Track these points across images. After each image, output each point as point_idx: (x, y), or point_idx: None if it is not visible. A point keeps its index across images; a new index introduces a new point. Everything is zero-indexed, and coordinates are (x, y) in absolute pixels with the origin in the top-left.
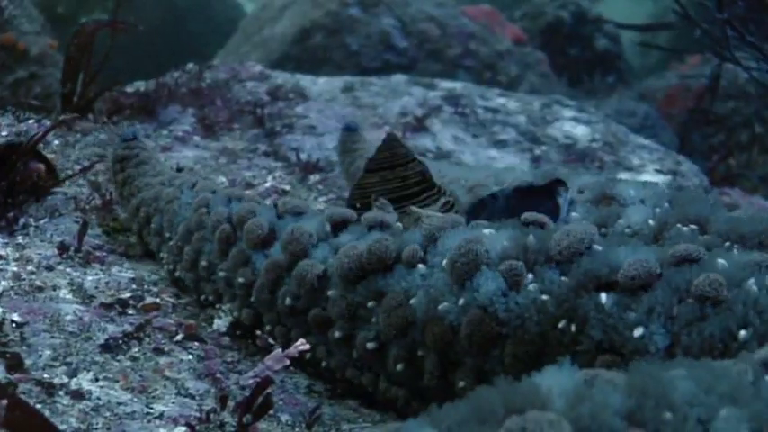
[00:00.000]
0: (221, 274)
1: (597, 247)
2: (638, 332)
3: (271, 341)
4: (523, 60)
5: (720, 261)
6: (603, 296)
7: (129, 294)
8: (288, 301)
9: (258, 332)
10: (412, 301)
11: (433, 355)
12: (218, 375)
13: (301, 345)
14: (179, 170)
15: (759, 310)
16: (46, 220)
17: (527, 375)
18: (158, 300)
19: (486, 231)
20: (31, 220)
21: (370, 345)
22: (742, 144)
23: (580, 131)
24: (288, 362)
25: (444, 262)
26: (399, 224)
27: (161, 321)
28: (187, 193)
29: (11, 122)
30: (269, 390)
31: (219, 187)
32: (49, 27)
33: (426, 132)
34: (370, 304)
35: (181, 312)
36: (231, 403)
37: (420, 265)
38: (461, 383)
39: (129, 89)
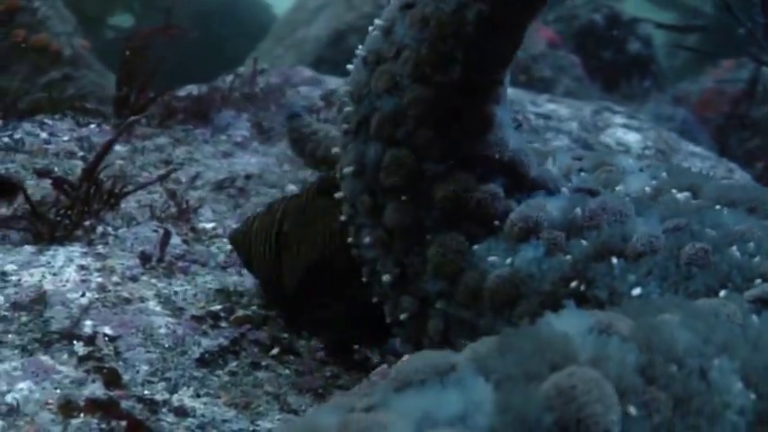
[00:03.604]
0: None
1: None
2: (636, 292)
3: (368, 354)
4: (557, 64)
5: (709, 230)
6: (614, 260)
7: (219, 306)
8: None
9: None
10: (475, 247)
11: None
12: (320, 391)
13: None
14: None
15: (740, 270)
16: (124, 228)
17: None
18: (249, 312)
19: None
20: (110, 228)
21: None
22: None
23: (632, 138)
24: None
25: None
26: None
27: (255, 335)
28: None
29: (71, 127)
30: None
31: None
32: (80, 28)
33: None
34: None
35: (272, 325)
36: None
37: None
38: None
39: (181, 93)
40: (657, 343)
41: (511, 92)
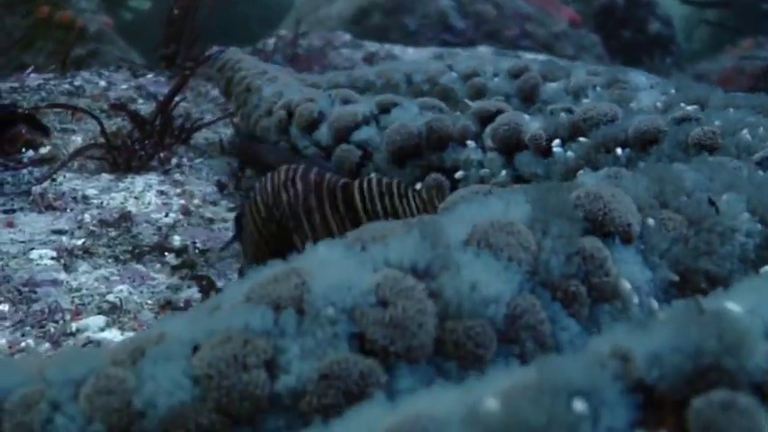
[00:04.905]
0: None
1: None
2: None
3: None
4: (579, 42)
5: (716, 121)
6: (619, 150)
7: None
8: None
9: None
10: (458, 174)
11: None
12: None
13: None
14: None
15: (750, 151)
16: (199, 160)
17: None
18: None
19: (527, 117)
20: (185, 159)
21: None
22: None
23: None
24: None
25: (488, 133)
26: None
27: None
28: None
29: (127, 77)
30: None
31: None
32: (103, 6)
33: None
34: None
35: None
36: None
37: (469, 142)
38: None
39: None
40: (667, 177)
41: (543, 58)
